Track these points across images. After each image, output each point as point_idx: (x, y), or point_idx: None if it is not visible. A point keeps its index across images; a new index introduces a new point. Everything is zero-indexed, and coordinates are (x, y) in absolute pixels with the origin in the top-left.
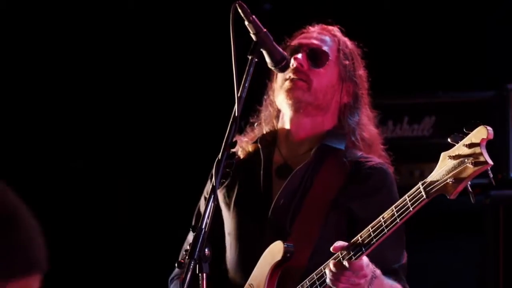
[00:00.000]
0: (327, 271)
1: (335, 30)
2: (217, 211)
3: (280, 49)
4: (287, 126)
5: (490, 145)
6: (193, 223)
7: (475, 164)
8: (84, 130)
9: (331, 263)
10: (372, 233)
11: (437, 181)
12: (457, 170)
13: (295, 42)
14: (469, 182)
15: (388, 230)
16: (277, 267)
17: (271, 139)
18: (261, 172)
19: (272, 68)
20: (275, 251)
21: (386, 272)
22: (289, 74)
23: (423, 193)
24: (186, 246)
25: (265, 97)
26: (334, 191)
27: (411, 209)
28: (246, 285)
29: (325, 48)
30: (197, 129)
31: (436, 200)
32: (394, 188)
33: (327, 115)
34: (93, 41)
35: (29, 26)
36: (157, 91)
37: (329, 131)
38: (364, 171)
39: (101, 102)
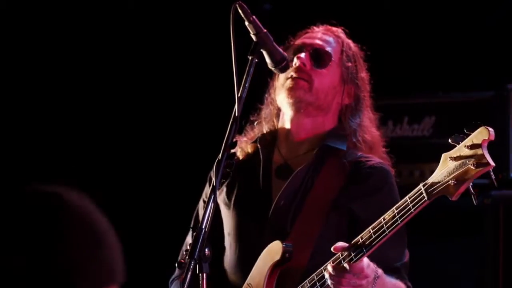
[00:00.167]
0: (326, 274)
1: (339, 31)
2: (216, 211)
3: (281, 50)
4: (287, 125)
5: (490, 145)
6: (192, 225)
7: (477, 165)
8: (84, 130)
9: (330, 267)
10: (373, 234)
11: (439, 182)
12: (458, 172)
13: (298, 41)
14: (471, 183)
15: (389, 232)
16: (276, 267)
17: (270, 139)
18: (261, 172)
19: (272, 68)
20: (273, 251)
21: (388, 271)
22: (291, 73)
23: (424, 194)
24: (186, 247)
25: (266, 95)
26: (335, 191)
27: (412, 210)
28: (245, 285)
29: (328, 49)
30: (197, 129)
31: (436, 200)
32: (395, 187)
33: (327, 115)
34: (93, 41)
35: (29, 26)
36: (157, 91)
37: (330, 132)
38: (365, 171)
39: (101, 102)
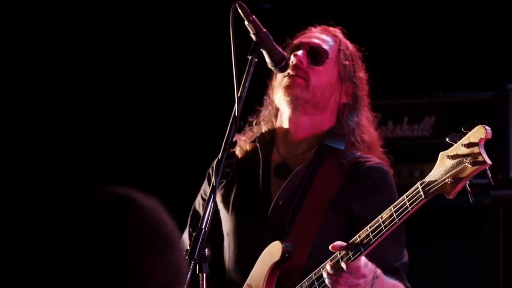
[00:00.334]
0: (324, 273)
1: (337, 31)
2: (216, 210)
3: (280, 49)
4: (286, 125)
5: (490, 145)
6: (188, 222)
7: (474, 163)
8: (83, 130)
9: (328, 265)
10: (370, 233)
11: (436, 181)
12: (455, 170)
13: (296, 41)
14: (468, 182)
15: (386, 230)
16: (275, 268)
17: (269, 138)
18: (260, 171)
19: (272, 68)
20: (273, 251)
21: (388, 271)
22: (288, 70)
23: (421, 193)
24: (183, 245)
25: (265, 97)
26: (333, 191)
27: (409, 209)
28: (245, 285)
29: (325, 46)
30: (197, 129)
31: (436, 199)
32: (394, 188)
33: (325, 114)
34: (93, 41)
35: (29, 26)
36: (157, 91)
37: (328, 131)
38: (363, 171)
39: (101, 102)
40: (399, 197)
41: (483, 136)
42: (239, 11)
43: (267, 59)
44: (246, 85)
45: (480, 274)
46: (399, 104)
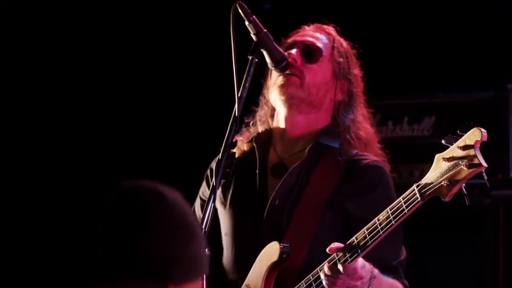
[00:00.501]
0: (322, 274)
1: (331, 29)
2: (215, 211)
3: (281, 50)
4: (282, 124)
5: (490, 145)
6: None
7: (470, 166)
8: (83, 130)
9: (325, 267)
10: (367, 235)
11: (432, 183)
12: (451, 172)
13: (290, 39)
14: (464, 184)
15: (383, 232)
16: (273, 268)
17: (266, 138)
18: (257, 171)
19: (272, 68)
20: (271, 252)
21: (385, 269)
22: None
23: (417, 195)
24: None
25: (260, 97)
26: (329, 190)
27: (406, 211)
28: (243, 286)
29: (319, 44)
30: (197, 130)
31: (436, 200)
32: (391, 185)
33: (320, 112)
34: (93, 41)
35: (29, 26)
36: (157, 91)
37: (324, 129)
38: (359, 169)
39: (101, 101)
40: (398, 197)
41: (479, 139)
42: (240, 11)
43: (268, 59)
44: (247, 85)
45: (480, 274)
46: (399, 104)
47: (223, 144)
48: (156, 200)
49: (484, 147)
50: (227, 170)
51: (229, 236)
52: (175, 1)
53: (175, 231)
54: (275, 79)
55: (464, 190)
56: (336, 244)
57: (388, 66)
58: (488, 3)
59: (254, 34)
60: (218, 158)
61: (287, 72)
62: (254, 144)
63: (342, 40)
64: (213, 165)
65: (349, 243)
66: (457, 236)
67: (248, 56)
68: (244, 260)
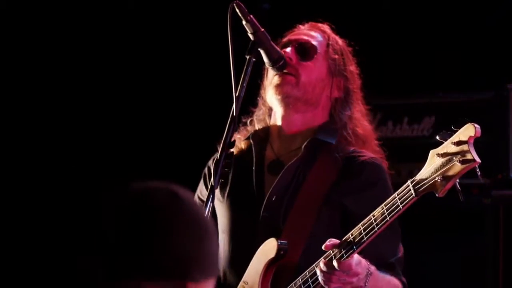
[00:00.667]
0: (318, 270)
1: (325, 27)
2: (212, 209)
3: (278, 49)
4: (279, 122)
5: (490, 145)
6: None
7: (463, 162)
8: (82, 130)
9: (321, 263)
10: (363, 231)
11: (426, 179)
12: (445, 168)
13: (284, 39)
14: (458, 180)
15: (378, 228)
16: (271, 265)
17: (263, 135)
18: (253, 168)
19: (270, 67)
20: (268, 248)
21: (383, 267)
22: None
23: (412, 191)
24: None
25: (258, 98)
26: (326, 186)
27: (400, 207)
28: (241, 283)
29: (313, 42)
30: (195, 129)
31: (436, 199)
32: (388, 182)
33: (317, 110)
34: (93, 41)
35: (29, 26)
36: (155, 90)
37: (321, 126)
38: (357, 166)
39: (99, 101)
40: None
41: (473, 134)
42: (237, 10)
43: (265, 59)
44: (244, 84)
45: (480, 274)
46: (399, 104)
47: (222, 144)
48: (169, 200)
49: (485, 147)
50: (225, 169)
51: (226, 233)
52: (173, 1)
53: (190, 229)
54: (271, 78)
55: (458, 186)
56: (331, 241)
57: (388, 66)
58: (488, 3)
59: (251, 33)
60: (216, 158)
61: (284, 71)
62: (252, 141)
63: (337, 38)
64: (211, 163)
65: (345, 239)
66: (457, 236)
67: (246, 56)
68: (242, 257)
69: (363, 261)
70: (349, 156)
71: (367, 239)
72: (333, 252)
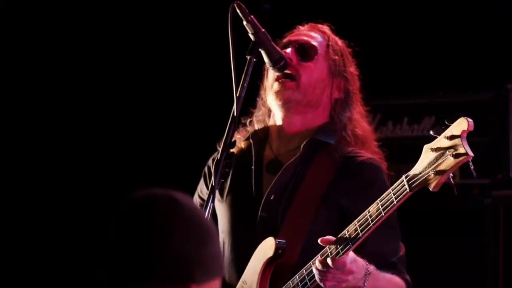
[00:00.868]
0: (314, 268)
1: (325, 28)
2: (212, 209)
3: (279, 49)
4: (279, 122)
5: (490, 145)
6: None
7: (456, 156)
8: (82, 130)
9: (317, 261)
10: (358, 227)
11: (419, 174)
12: (438, 162)
13: (284, 40)
14: (451, 174)
15: (373, 224)
16: (269, 264)
17: (263, 135)
18: (252, 168)
19: (270, 67)
20: (266, 247)
21: (384, 266)
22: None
23: (406, 186)
24: None
25: (258, 98)
26: (324, 186)
27: (395, 202)
28: (240, 282)
29: (313, 42)
30: (196, 129)
31: (436, 199)
32: (387, 183)
33: (317, 111)
34: (93, 41)
35: (29, 26)
36: (156, 90)
37: (320, 127)
38: (355, 166)
39: (99, 101)
40: None
41: (465, 128)
42: (238, 11)
43: (266, 59)
44: (245, 85)
45: (480, 274)
46: (399, 104)
47: (222, 144)
48: (169, 204)
49: (485, 147)
50: (226, 170)
51: (225, 232)
52: (174, 1)
53: (192, 232)
54: (271, 81)
55: (451, 180)
56: (328, 236)
57: (388, 66)
58: (488, 3)
59: (252, 33)
60: (217, 158)
61: (285, 71)
62: (251, 141)
63: (337, 39)
64: (211, 162)
65: (341, 236)
66: (457, 236)
67: (246, 56)
68: (240, 257)
69: (360, 260)
70: (348, 156)
71: (362, 235)
72: (329, 249)
